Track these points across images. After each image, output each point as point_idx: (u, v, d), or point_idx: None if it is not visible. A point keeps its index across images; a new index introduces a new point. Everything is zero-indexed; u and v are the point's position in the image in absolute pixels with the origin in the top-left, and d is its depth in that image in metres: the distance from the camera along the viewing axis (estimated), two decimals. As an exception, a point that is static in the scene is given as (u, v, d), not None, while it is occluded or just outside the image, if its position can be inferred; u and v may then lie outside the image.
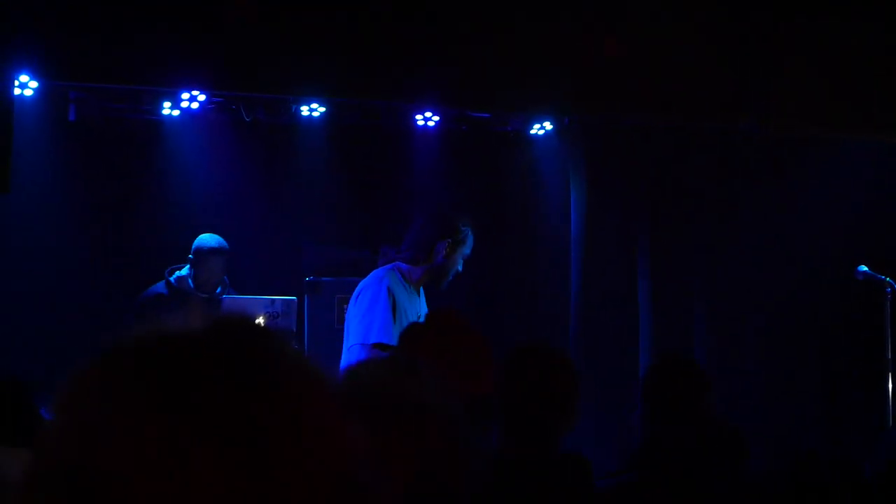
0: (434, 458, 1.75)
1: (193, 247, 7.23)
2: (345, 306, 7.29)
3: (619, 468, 4.75)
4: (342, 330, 7.24)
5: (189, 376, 0.96)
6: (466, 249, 6.18)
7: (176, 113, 7.47)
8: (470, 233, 6.18)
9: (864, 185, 8.29)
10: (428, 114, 7.79)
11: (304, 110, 7.50)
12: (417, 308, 6.11)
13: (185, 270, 7.29)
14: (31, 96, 6.95)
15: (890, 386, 6.63)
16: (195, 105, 7.30)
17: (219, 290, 7.32)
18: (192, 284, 7.26)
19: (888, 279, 6.67)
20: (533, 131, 8.27)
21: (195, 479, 0.92)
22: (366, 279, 6.24)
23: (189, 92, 7.13)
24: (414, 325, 3.12)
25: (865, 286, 6.94)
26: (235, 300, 7.05)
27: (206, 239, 7.26)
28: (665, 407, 4.14)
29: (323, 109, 7.51)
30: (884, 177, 8.32)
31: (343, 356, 5.98)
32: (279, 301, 6.94)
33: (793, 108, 6.96)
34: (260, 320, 6.75)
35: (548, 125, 8.17)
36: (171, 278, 7.25)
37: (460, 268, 6.13)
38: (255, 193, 8.12)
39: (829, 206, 8.19)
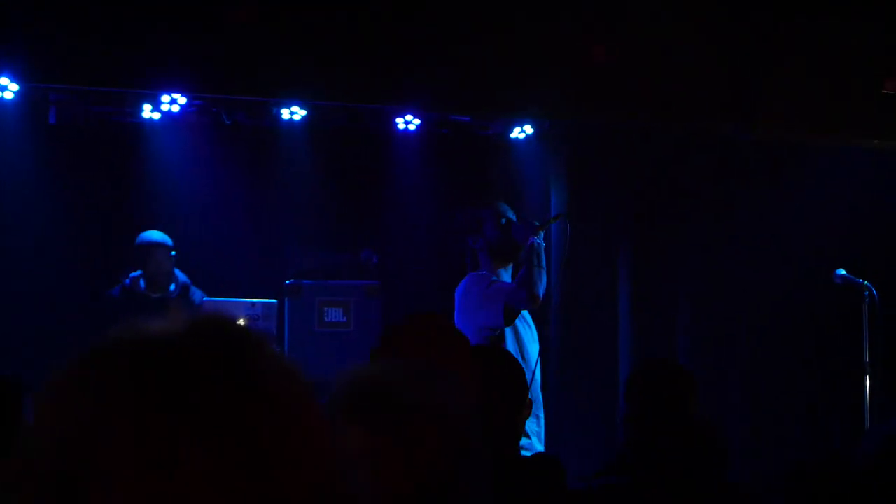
0: (442, 463, 1.75)
1: (136, 243, 7.24)
2: (325, 309, 7.31)
3: (601, 470, 4.76)
4: (322, 333, 7.26)
5: (187, 377, 0.96)
6: (509, 213, 6.36)
7: (157, 116, 7.45)
8: (495, 204, 6.40)
9: (843, 189, 8.33)
10: (409, 117, 7.79)
11: (285, 113, 7.48)
12: None
13: (138, 272, 7.29)
14: (11, 99, 6.93)
15: (868, 389, 6.66)
16: (176, 108, 7.29)
17: (172, 287, 7.29)
18: (143, 285, 7.24)
19: (866, 283, 6.69)
20: (514, 135, 8.28)
21: (194, 479, 0.92)
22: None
23: (170, 94, 7.12)
24: (392, 327, 3.11)
25: (844, 290, 6.96)
26: (216, 303, 7.04)
27: (147, 234, 7.26)
28: (649, 409, 4.16)
29: (304, 112, 7.50)
30: (861, 181, 8.36)
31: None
32: (259, 304, 6.93)
33: (776, 113, 6.98)
34: (241, 323, 6.73)
35: (529, 129, 8.18)
36: (127, 280, 7.23)
37: (533, 238, 6.15)
38: (236, 196, 8.11)
39: (809, 210, 8.23)
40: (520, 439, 3.68)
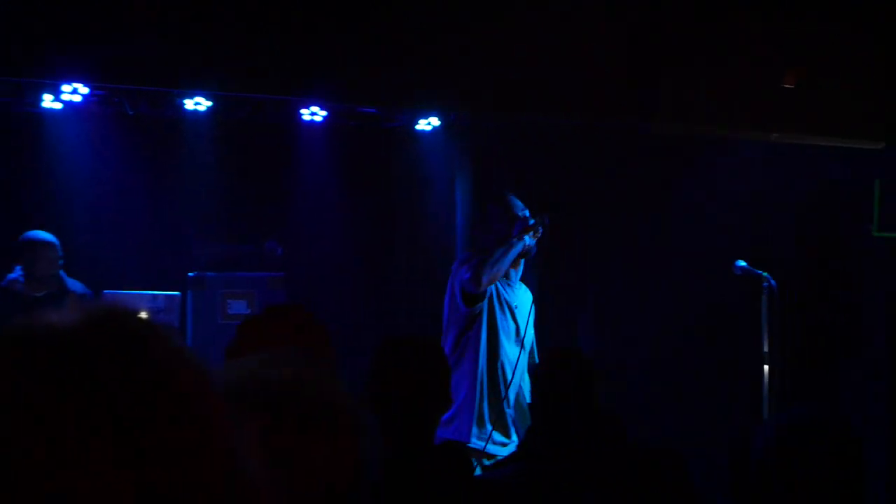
0: (338, 457, 1.76)
1: (22, 241, 7.07)
2: (229, 301, 7.26)
3: (507, 458, 4.79)
4: (226, 325, 7.21)
5: (82, 367, 0.95)
6: (517, 208, 6.42)
7: (58, 106, 7.34)
8: (504, 198, 6.46)
9: (743, 182, 8.45)
10: (315, 108, 7.75)
11: (189, 104, 7.40)
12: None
13: (14, 272, 7.12)
14: None
15: (766, 378, 6.76)
16: (77, 98, 7.17)
17: (53, 290, 7.10)
18: (21, 286, 7.09)
19: (765, 274, 6.80)
20: (420, 127, 8.28)
21: (92, 469, 0.91)
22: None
23: (71, 84, 7.02)
24: (251, 319, 3.08)
25: (744, 281, 7.06)
26: (117, 295, 6.95)
27: (36, 232, 7.11)
28: (554, 398, 4.19)
29: (208, 103, 7.43)
30: (761, 174, 8.49)
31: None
32: (162, 296, 6.88)
33: (676, 108, 7.06)
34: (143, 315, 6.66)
35: (435, 121, 8.20)
36: (4, 281, 7.10)
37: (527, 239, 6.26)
38: (139, 188, 8.02)
39: (709, 202, 8.34)
40: (434, 430, 3.69)
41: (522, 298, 6.42)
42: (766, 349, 6.78)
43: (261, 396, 1.74)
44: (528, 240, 6.27)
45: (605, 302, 8.53)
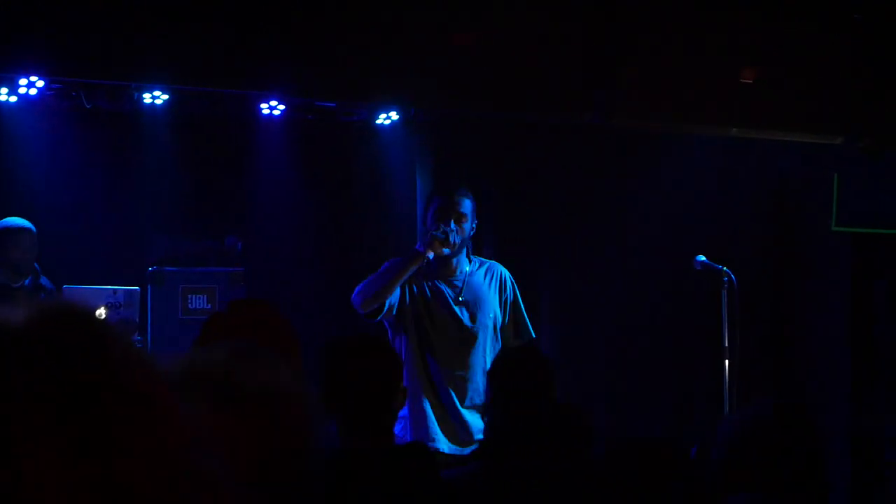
0: (286, 446, 1.75)
1: (1, 229, 6.99)
2: (189, 296, 7.22)
3: (468, 456, 4.78)
4: (186, 321, 7.17)
5: (30, 363, 0.94)
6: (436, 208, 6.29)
7: (13, 99, 7.26)
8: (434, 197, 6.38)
9: (702, 177, 8.49)
10: (273, 103, 7.72)
11: (147, 98, 7.36)
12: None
13: None
14: None
15: (727, 373, 6.79)
16: (33, 91, 7.10)
17: (28, 280, 7.07)
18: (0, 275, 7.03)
19: (725, 269, 6.83)
20: (379, 121, 8.27)
21: (39, 468, 0.90)
22: (501, 267, 6.42)
23: (27, 77, 6.95)
24: (215, 314, 3.06)
25: (704, 276, 7.09)
26: (76, 290, 6.90)
27: (13, 219, 7.04)
28: (511, 395, 4.20)
29: (166, 97, 7.38)
30: (720, 169, 8.53)
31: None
32: (121, 291, 6.83)
33: (634, 102, 7.07)
34: (101, 311, 6.62)
35: (394, 115, 8.18)
36: None
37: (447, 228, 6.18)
38: (97, 182, 7.96)
39: (669, 197, 8.37)
40: (392, 426, 3.69)
41: (478, 288, 6.35)
42: (726, 343, 6.81)
43: (200, 384, 1.73)
44: (429, 255, 6.13)
45: (564, 298, 8.54)
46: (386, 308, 6.09)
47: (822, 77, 7.30)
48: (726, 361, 6.79)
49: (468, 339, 6.21)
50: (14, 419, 0.91)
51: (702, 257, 6.92)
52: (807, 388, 8.35)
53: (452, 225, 6.18)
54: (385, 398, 3.60)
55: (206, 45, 6.20)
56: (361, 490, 3.32)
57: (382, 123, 8.29)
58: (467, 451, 5.82)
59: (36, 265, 7.12)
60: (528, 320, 6.40)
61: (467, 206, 6.28)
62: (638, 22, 6.95)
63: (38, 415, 0.92)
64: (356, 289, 6.11)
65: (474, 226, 6.33)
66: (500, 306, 6.34)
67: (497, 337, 6.30)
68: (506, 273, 6.41)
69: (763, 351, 8.30)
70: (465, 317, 6.22)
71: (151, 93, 7.31)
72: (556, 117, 7.47)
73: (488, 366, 6.21)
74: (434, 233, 6.14)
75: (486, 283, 6.35)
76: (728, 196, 8.58)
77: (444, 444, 6.09)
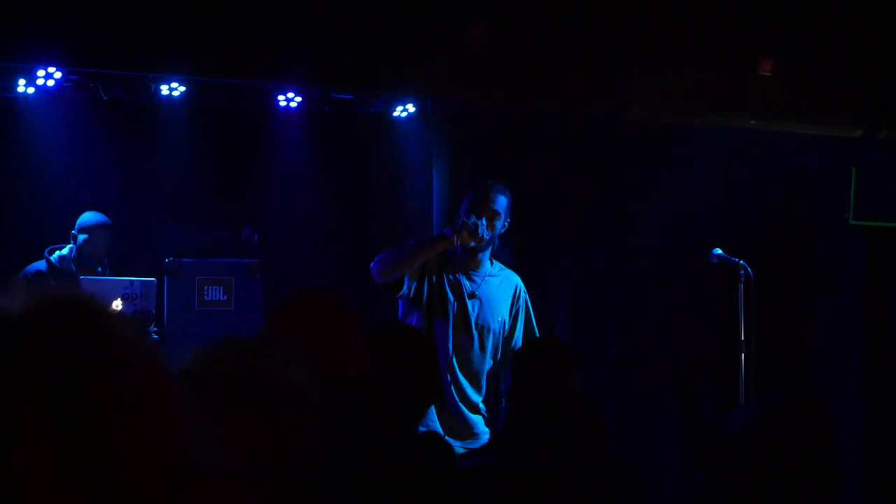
0: (296, 440, 1.74)
1: (79, 223, 7.17)
2: (206, 288, 7.23)
3: (482, 447, 4.78)
4: (203, 312, 7.18)
5: (30, 351, 0.93)
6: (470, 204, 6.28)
7: (31, 91, 7.27)
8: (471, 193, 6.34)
9: (718, 169, 8.47)
10: (290, 94, 7.72)
11: (164, 89, 7.36)
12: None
13: (66, 250, 7.18)
14: None
15: (743, 366, 6.78)
16: (51, 83, 7.11)
17: (99, 270, 7.21)
18: (73, 265, 7.15)
19: (742, 262, 6.81)
20: (396, 114, 8.26)
21: (35, 456, 0.89)
22: (517, 278, 6.45)
23: (45, 69, 6.96)
24: (280, 305, 3.08)
25: (720, 269, 7.08)
26: (93, 281, 6.92)
27: (92, 214, 7.22)
28: (530, 386, 4.19)
29: (183, 89, 7.39)
30: (735, 161, 8.51)
31: None
32: (138, 282, 6.84)
33: (652, 95, 7.05)
34: (118, 302, 6.64)
35: (411, 108, 8.17)
36: (52, 258, 7.14)
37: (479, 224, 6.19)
38: (114, 173, 7.97)
39: (686, 190, 8.35)
40: (420, 418, 3.67)
41: (493, 290, 6.35)
42: (742, 337, 6.80)
43: (219, 380, 1.73)
44: (456, 242, 6.16)
45: (582, 291, 8.52)
46: (405, 287, 6.11)
47: (840, 69, 7.27)
48: (742, 354, 6.78)
49: (472, 334, 6.21)
50: (10, 408, 0.90)
51: (718, 250, 6.90)
52: (821, 380, 8.33)
53: (483, 221, 6.18)
54: (418, 391, 3.58)
55: (223, 36, 6.20)
56: (379, 478, 3.32)
57: (399, 116, 8.28)
58: (457, 444, 5.78)
59: (106, 261, 7.24)
60: (536, 332, 6.40)
61: (501, 203, 6.28)
62: (655, 14, 6.93)
63: (28, 411, 0.91)
64: (377, 257, 6.12)
65: (507, 223, 6.33)
66: (510, 315, 6.36)
67: (500, 343, 6.30)
68: (520, 284, 6.44)
69: (779, 344, 8.28)
70: (473, 313, 6.23)
71: (168, 84, 7.31)
72: (573, 110, 7.45)
73: (487, 367, 6.23)
74: (465, 220, 6.15)
75: (501, 289, 6.37)
76: (745, 189, 8.55)
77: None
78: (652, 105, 7.07)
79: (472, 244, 6.19)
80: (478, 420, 6.23)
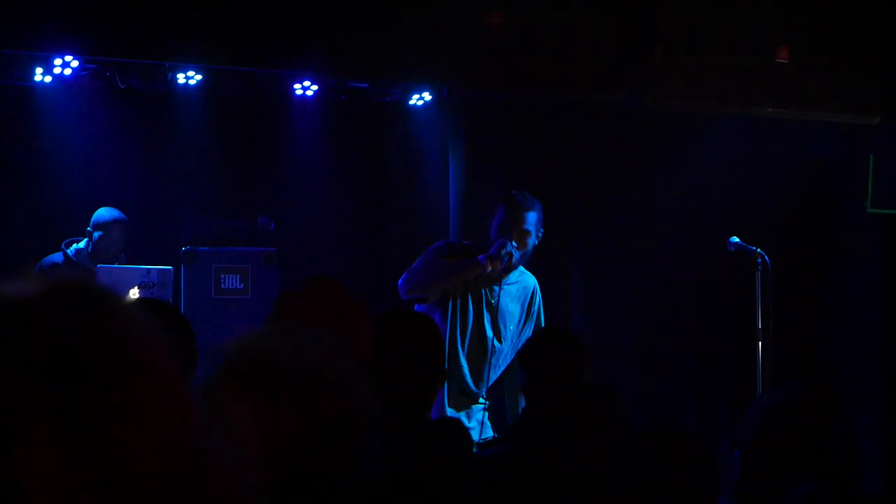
0: (321, 427, 1.74)
1: (94, 219, 7.19)
2: (222, 276, 7.24)
3: (499, 437, 4.78)
4: (220, 300, 7.19)
5: (34, 338, 0.92)
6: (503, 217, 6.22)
7: (48, 79, 7.28)
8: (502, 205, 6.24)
9: (735, 158, 8.44)
10: (306, 83, 7.71)
11: (181, 78, 7.36)
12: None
13: (82, 244, 7.20)
14: None
15: (760, 355, 6.76)
16: (68, 71, 7.11)
17: (115, 265, 7.22)
18: (88, 259, 7.16)
19: (759, 250, 6.79)
20: (412, 102, 8.25)
21: (38, 445, 0.89)
22: (533, 281, 6.44)
23: (62, 57, 6.96)
24: (290, 293, 3.08)
25: (737, 258, 7.06)
26: (110, 269, 6.94)
27: (107, 210, 7.25)
28: (545, 376, 4.19)
29: (199, 77, 7.39)
30: (753, 149, 8.48)
31: None
32: (155, 271, 6.85)
33: (669, 83, 7.03)
34: (135, 290, 6.65)
35: (427, 96, 8.16)
36: (69, 250, 7.17)
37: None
38: (131, 162, 7.99)
39: (703, 179, 8.33)
40: (430, 405, 3.67)
41: (509, 300, 6.34)
42: (759, 325, 6.78)
43: (254, 368, 1.73)
44: (489, 269, 6.09)
45: (597, 280, 8.51)
46: (429, 299, 6.17)
47: (857, 57, 7.24)
48: (759, 344, 6.76)
49: (486, 345, 6.22)
50: (13, 395, 0.90)
51: (735, 239, 6.87)
52: (839, 370, 8.31)
53: (514, 244, 6.12)
54: (427, 375, 3.58)
55: (240, 25, 6.20)
56: (395, 466, 3.33)
57: (415, 104, 8.27)
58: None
59: (122, 255, 7.27)
60: None
61: (531, 220, 6.21)
62: (671, 3, 6.91)
63: (30, 401, 0.90)
64: (404, 275, 6.14)
65: (540, 235, 6.29)
66: (520, 320, 6.35)
67: (510, 352, 6.28)
68: (536, 288, 6.43)
69: (796, 333, 8.26)
70: (489, 325, 6.23)
71: (185, 73, 7.32)
72: (590, 97, 7.44)
73: (496, 376, 6.23)
74: (502, 253, 6.06)
75: (517, 296, 6.36)
76: (762, 177, 8.52)
77: None
78: (668, 93, 7.06)
79: (504, 269, 6.17)
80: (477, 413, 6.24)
